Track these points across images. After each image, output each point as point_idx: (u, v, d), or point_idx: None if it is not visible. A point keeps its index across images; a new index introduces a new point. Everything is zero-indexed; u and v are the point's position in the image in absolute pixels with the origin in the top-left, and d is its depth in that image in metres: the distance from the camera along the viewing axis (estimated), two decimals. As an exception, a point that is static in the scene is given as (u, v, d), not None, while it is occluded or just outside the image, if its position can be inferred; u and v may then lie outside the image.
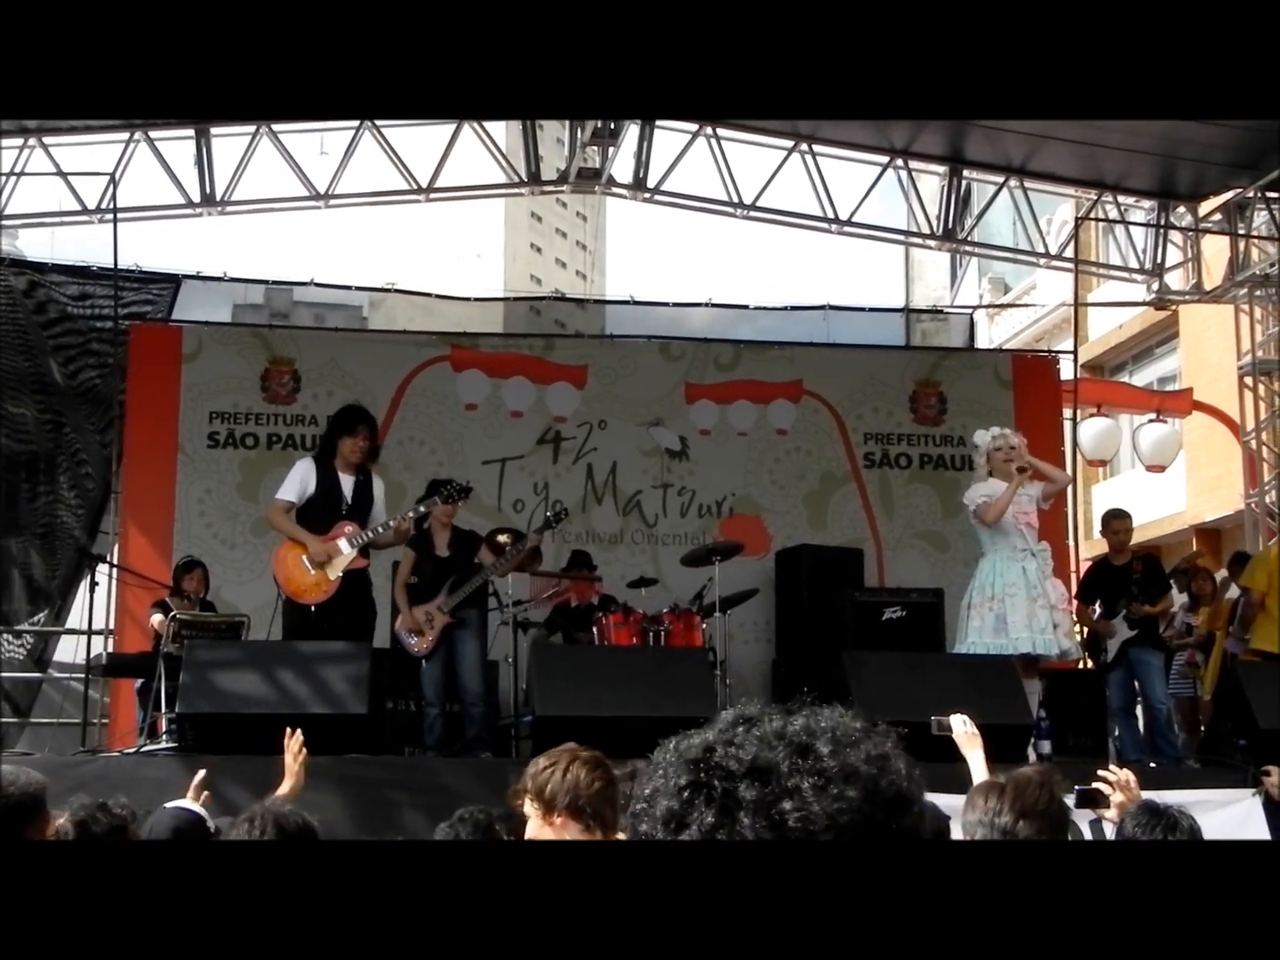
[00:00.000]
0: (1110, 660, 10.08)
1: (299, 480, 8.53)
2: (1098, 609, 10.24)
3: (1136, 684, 10.01)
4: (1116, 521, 10.58)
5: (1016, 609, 8.32)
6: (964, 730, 5.58)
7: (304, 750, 5.55)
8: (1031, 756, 7.91)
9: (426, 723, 8.82)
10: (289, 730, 5.56)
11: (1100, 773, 5.40)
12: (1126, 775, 5.35)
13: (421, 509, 8.87)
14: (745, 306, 13.55)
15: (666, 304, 13.38)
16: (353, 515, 8.47)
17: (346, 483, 8.54)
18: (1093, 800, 5.35)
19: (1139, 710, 10.26)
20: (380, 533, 8.53)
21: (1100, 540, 11.37)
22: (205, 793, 5.87)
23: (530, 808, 3.80)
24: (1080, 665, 10.43)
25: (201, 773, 5.88)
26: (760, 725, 1.43)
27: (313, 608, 8.29)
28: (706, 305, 13.38)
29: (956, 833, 3.90)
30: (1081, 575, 11.14)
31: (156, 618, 9.81)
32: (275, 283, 13.83)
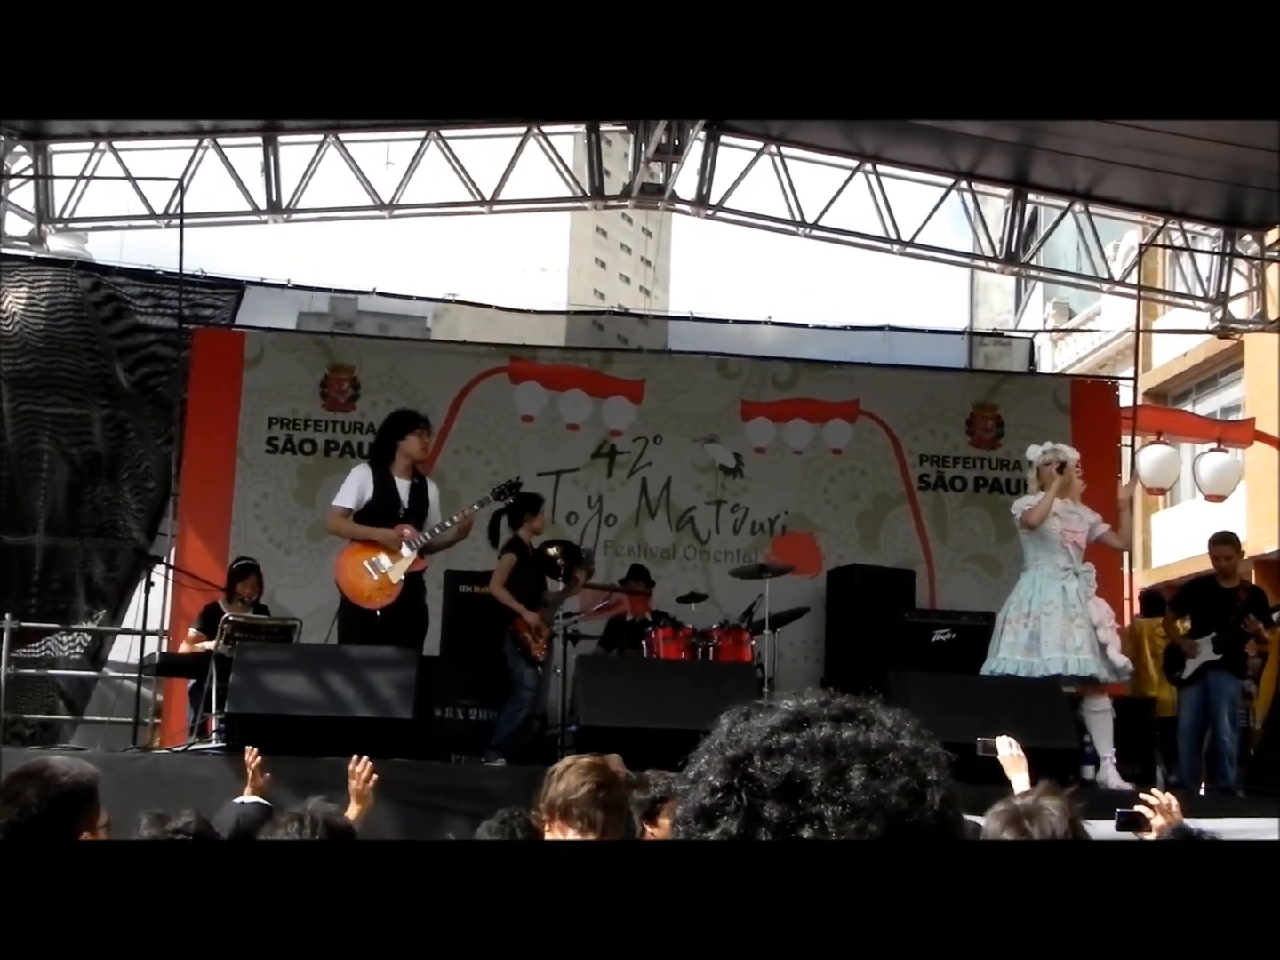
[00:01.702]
0: (1186, 678, 9.94)
1: (357, 486, 8.61)
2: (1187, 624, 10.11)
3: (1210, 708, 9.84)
4: (1223, 546, 10.33)
5: (1051, 627, 8.26)
6: (1010, 753, 5.58)
7: (374, 776, 5.61)
8: (1092, 775, 7.87)
9: (512, 725, 8.84)
10: (355, 757, 5.61)
11: (1142, 795, 5.37)
12: (1169, 799, 5.33)
13: (476, 506, 8.95)
14: (805, 325, 13.54)
15: (726, 321, 13.40)
16: (409, 519, 8.56)
17: (403, 487, 8.63)
18: (1135, 823, 5.33)
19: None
20: (439, 533, 8.60)
21: (1157, 569, 11.32)
22: (265, 776, 5.95)
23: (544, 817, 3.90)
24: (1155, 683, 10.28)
25: (250, 753, 5.97)
26: (809, 729, 1.41)
27: (377, 612, 8.37)
28: (766, 323, 13.39)
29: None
30: (1177, 590, 10.99)
31: (192, 632, 9.96)
32: (338, 291, 13.97)
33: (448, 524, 8.67)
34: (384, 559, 8.40)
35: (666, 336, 14.20)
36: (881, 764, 1.38)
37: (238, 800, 6.02)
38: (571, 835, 3.78)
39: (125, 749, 8.79)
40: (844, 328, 13.58)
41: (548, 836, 3.87)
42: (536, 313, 13.97)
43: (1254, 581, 16.15)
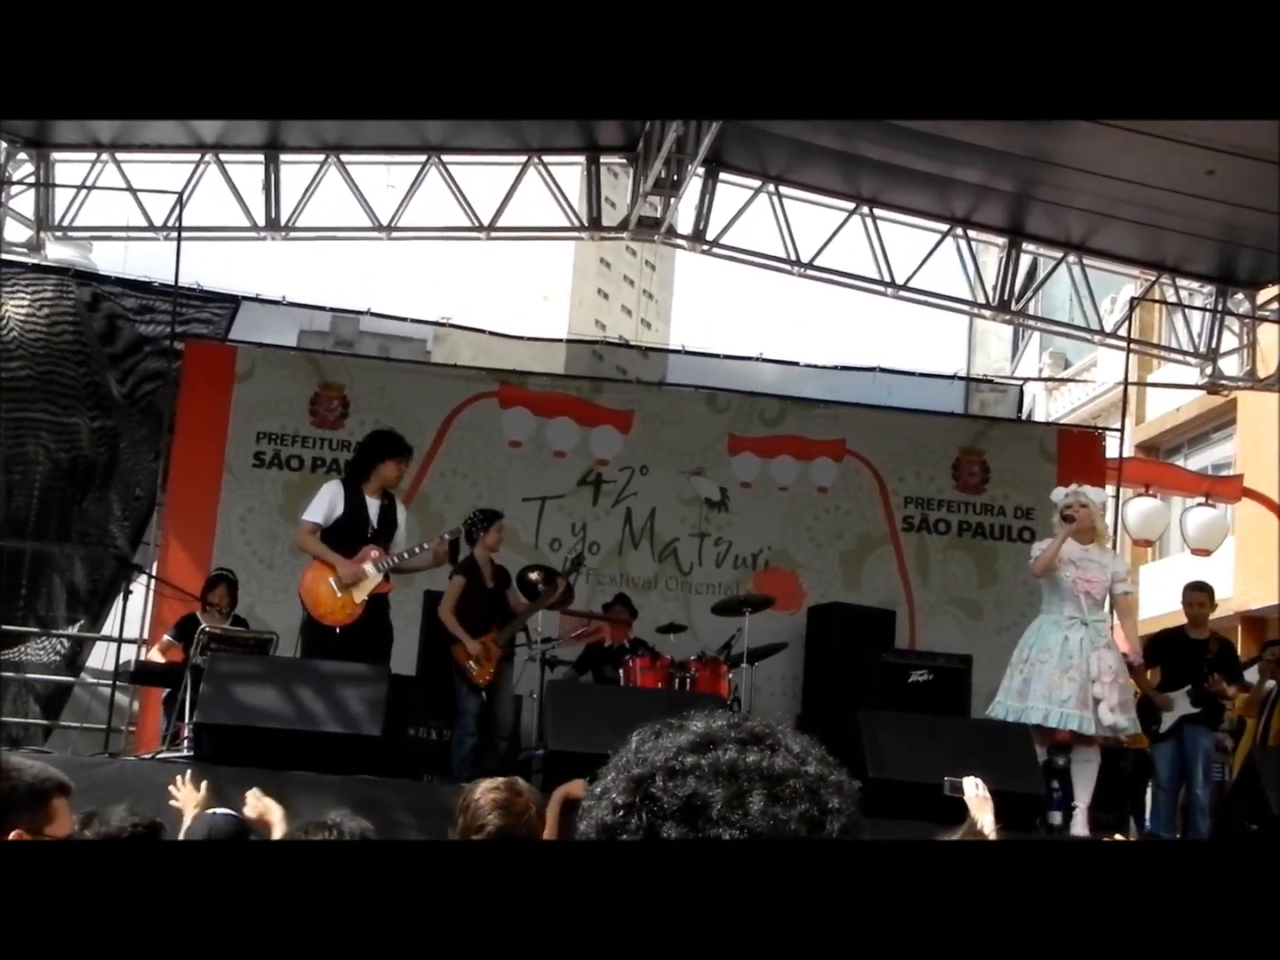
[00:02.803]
0: (1163, 732, 9.93)
1: (327, 502, 8.64)
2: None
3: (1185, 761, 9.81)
4: (1197, 594, 10.24)
5: (1041, 677, 8.19)
6: (976, 793, 5.61)
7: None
8: (1056, 820, 7.89)
9: (461, 751, 8.87)
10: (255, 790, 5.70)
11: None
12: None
13: (448, 536, 8.96)
14: (795, 364, 13.60)
15: (717, 355, 13.47)
16: (377, 539, 8.58)
17: (373, 507, 8.65)
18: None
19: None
20: (409, 557, 8.62)
21: (1144, 621, 11.30)
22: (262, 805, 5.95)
23: None
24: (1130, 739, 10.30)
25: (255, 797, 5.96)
26: (714, 751, 1.41)
27: (337, 629, 8.39)
28: (757, 360, 13.45)
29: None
30: (1147, 641, 10.98)
31: (165, 638, 9.99)
32: (334, 310, 14.00)
33: (418, 549, 8.67)
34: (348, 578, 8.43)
35: (666, 369, 14.26)
36: (783, 790, 1.38)
37: (209, 812, 6.00)
38: None
39: (93, 754, 8.79)
40: (834, 367, 13.64)
41: None
42: (535, 340, 14.04)
43: (1239, 636, 16.24)
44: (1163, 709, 9.81)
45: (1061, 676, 8.22)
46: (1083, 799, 8.35)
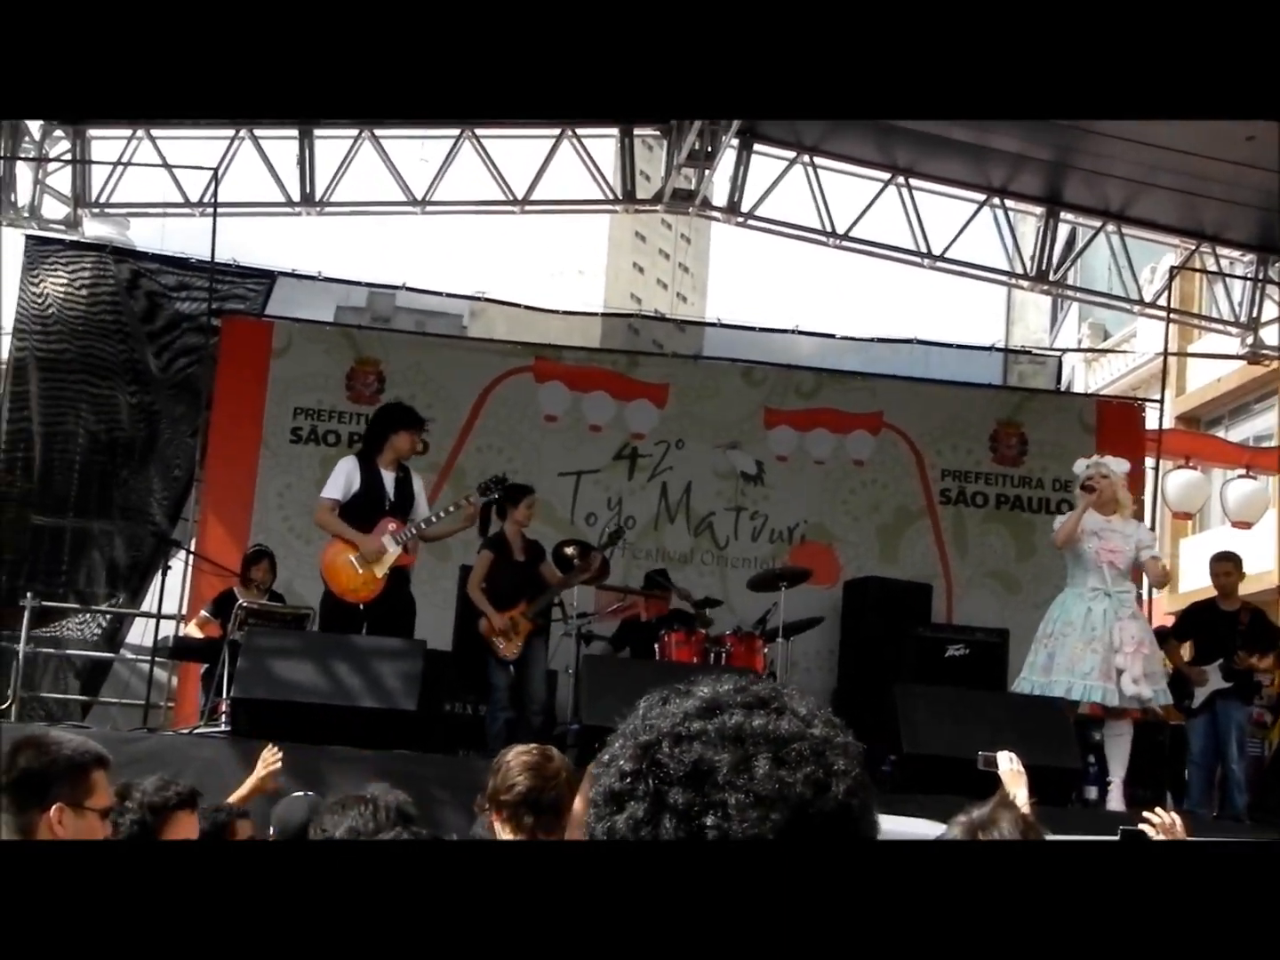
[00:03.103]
0: (1196, 707, 9.85)
1: (344, 478, 8.66)
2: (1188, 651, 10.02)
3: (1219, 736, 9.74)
4: (1223, 563, 10.14)
5: (1065, 650, 8.18)
6: (1010, 767, 5.59)
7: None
8: (1092, 795, 7.86)
9: (495, 726, 8.89)
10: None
11: (1146, 814, 5.38)
12: (1173, 818, 5.33)
13: (474, 498, 8.93)
14: (832, 336, 13.53)
15: (752, 328, 13.42)
16: (395, 512, 8.61)
17: (388, 479, 8.67)
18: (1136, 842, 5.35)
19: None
20: (425, 527, 8.63)
21: (1185, 594, 11.22)
22: (278, 780, 5.98)
23: None
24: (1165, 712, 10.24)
25: (271, 753, 6.00)
26: (720, 716, 1.41)
27: (360, 606, 8.42)
28: (793, 332, 13.39)
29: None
30: (1178, 615, 10.90)
31: (202, 614, 10.04)
32: (370, 285, 14.03)
33: (441, 514, 8.69)
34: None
35: (702, 343, 14.22)
36: (788, 753, 1.38)
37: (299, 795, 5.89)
38: (507, 830, 3.82)
39: (131, 729, 8.85)
40: (872, 339, 13.57)
41: (495, 826, 3.92)
42: (571, 314, 14.02)
43: (1280, 610, 16.11)
44: (1195, 683, 9.73)
45: (1084, 649, 8.19)
46: (1117, 773, 8.30)
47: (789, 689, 1.47)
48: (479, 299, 15.25)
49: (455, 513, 8.74)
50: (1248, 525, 15.42)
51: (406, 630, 8.54)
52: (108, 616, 12.10)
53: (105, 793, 3.40)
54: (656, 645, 9.94)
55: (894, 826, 6.70)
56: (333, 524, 8.63)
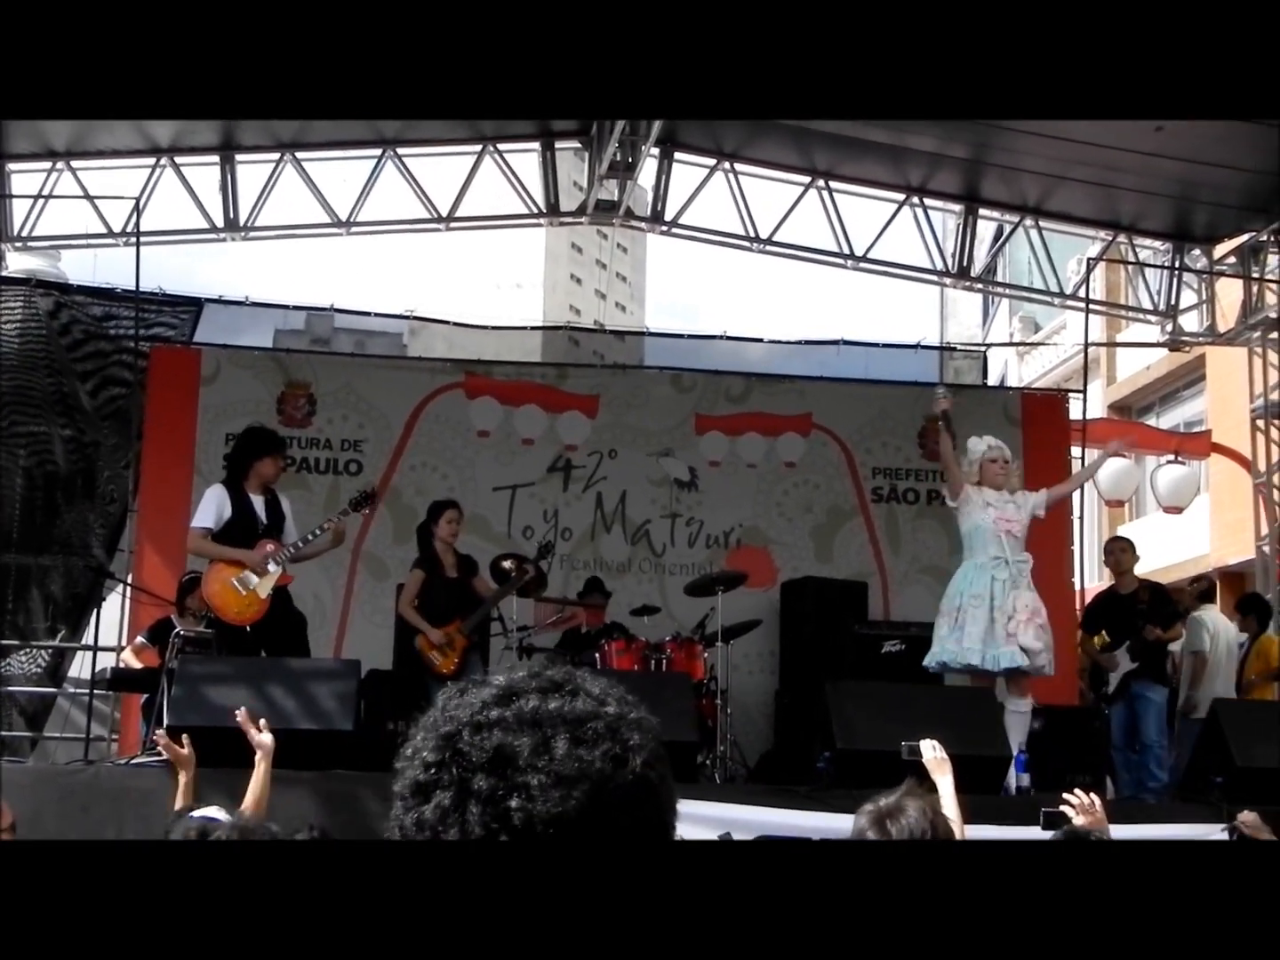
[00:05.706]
0: (1111, 693, 10.01)
1: (215, 505, 8.68)
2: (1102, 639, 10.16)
3: (1136, 717, 9.91)
4: (1113, 543, 10.47)
5: (976, 621, 8.25)
6: (933, 755, 5.69)
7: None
8: (1013, 785, 7.94)
9: None
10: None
11: (1065, 796, 5.50)
12: (1091, 799, 5.46)
13: (339, 516, 8.97)
14: (759, 340, 13.64)
15: (680, 336, 13.51)
16: (268, 534, 8.67)
17: (258, 503, 8.73)
18: (1055, 823, 5.48)
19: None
20: (307, 544, 8.68)
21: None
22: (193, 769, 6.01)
23: None
24: (1075, 693, 10.35)
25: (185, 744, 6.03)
26: (517, 702, 1.46)
27: (248, 628, 8.47)
28: (721, 338, 13.47)
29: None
30: (1083, 610, 11.09)
31: (138, 640, 10.03)
32: (299, 307, 14.00)
33: (314, 534, 8.74)
34: (251, 575, 8.47)
35: (642, 352, 14.28)
36: (585, 732, 1.44)
37: (194, 814, 5.96)
38: None
39: (69, 762, 8.83)
40: (797, 342, 13.69)
41: None
42: (508, 329, 14.04)
43: (1218, 592, 16.30)
44: (1108, 670, 9.91)
45: (993, 622, 8.30)
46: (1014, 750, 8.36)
47: (581, 672, 1.53)
48: (410, 318, 15.27)
49: (324, 534, 8.80)
50: (1179, 510, 15.63)
51: (300, 647, 8.65)
52: (49, 652, 12.05)
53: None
54: (597, 655, 10.00)
55: (827, 824, 6.78)
56: (211, 549, 8.66)
